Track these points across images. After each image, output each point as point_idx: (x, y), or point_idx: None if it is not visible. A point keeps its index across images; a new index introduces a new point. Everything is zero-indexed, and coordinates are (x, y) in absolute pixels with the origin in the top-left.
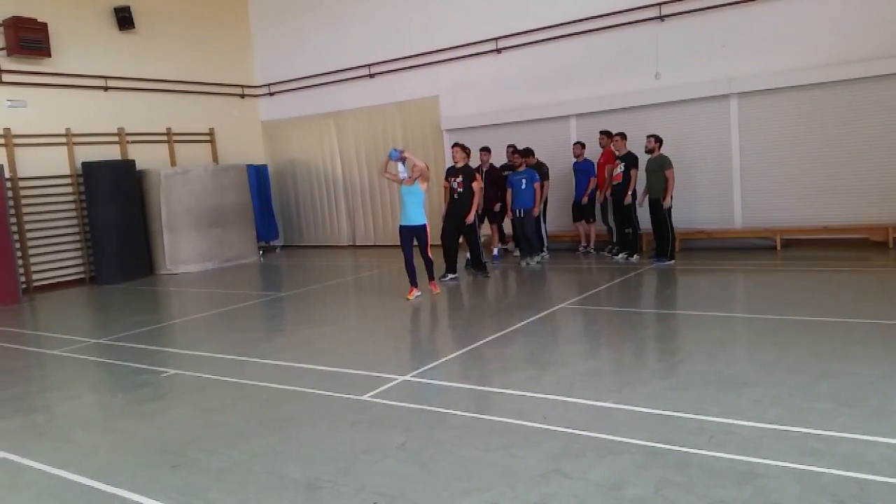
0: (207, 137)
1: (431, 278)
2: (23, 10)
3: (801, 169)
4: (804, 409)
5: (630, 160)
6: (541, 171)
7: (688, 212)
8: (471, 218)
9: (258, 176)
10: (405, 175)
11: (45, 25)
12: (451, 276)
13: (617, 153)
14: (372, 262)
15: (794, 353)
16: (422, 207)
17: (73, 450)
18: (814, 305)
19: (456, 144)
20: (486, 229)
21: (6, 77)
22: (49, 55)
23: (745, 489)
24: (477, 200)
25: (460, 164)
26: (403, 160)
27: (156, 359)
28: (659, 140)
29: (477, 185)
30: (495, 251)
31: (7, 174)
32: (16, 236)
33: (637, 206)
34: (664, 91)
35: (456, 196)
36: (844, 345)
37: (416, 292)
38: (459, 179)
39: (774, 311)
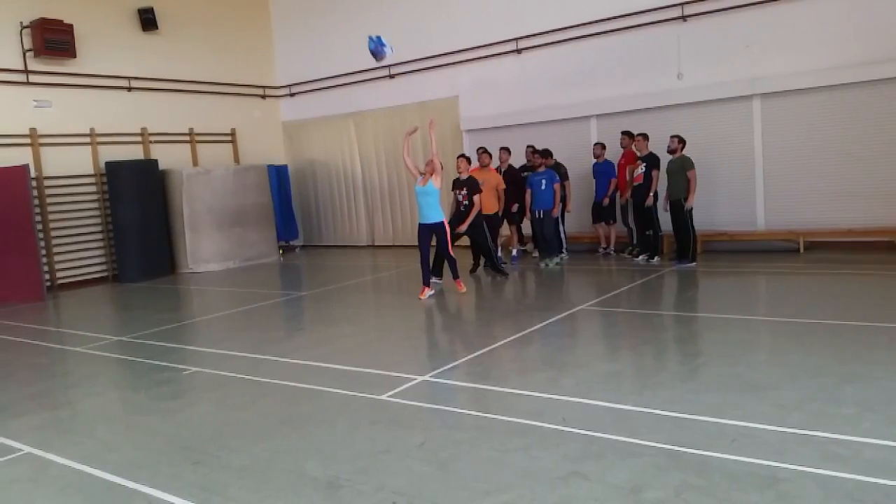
0: (229, 138)
1: (456, 277)
2: (49, 12)
3: (825, 170)
4: (827, 413)
5: (652, 161)
6: (559, 171)
7: (709, 213)
8: (463, 228)
9: (279, 176)
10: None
11: (70, 27)
12: (435, 280)
13: (638, 154)
14: (391, 262)
15: (816, 356)
16: (438, 206)
17: (96, 445)
18: (837, 309)
19: (461, 156)
20: (504, 230)
21: (32, 77)
22: (74, 56)
23: (767, 493)
24: (475, 212)
25: (464, 176)
26: (383, 45)
27: (177, 356)
28: (682, 141)
29: (478, 199)
30: (514, 252)
31: (32, 173)
32: (40, 235)
33: (662, 209)
34: (686, 91)
35: (462, 208)
36: (868, 349)
37: (428, 292)
38: (464, 192)
39: (797, 314)
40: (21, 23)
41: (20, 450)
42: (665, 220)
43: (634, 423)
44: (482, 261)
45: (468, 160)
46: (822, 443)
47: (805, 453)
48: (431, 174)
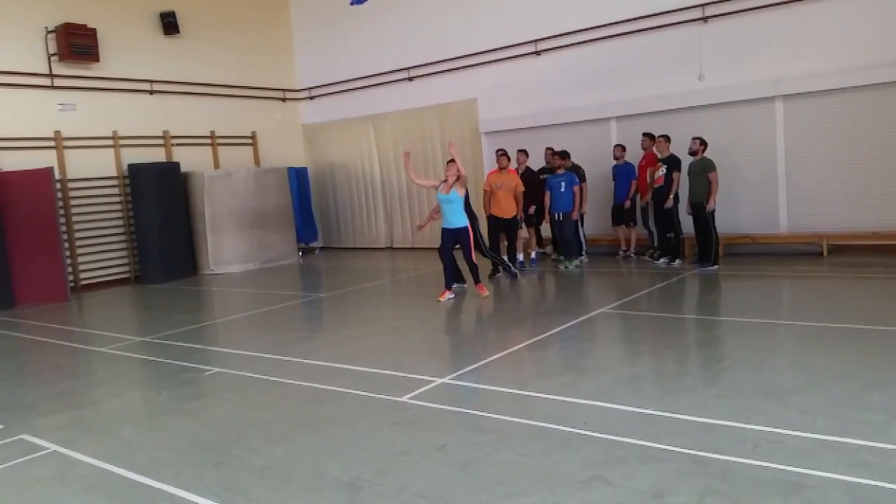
0: (250, 140)
1: (477, 281)
2: (73, 17)
3: (849, 173)
4: (854, 419)
5: (672, 163)
6: (577, 173)
7: (732, 216)
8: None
9: (298, 178)
10: None
11: (93, 31)
12: (457, 285)
13: (659, 155)
14: (409, 264)
15: (842, 361)
16: (462, 212)
17: (121, 445)
18: (863, 313)
19: (451, 161)
20: (523, 232)
21: (57, 81)
22: (97, 60)
23: (792, 500)
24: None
25: (451, 181)
26: None
27: (199, 357)
28: (704, 143)
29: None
30: (533, 254)
31: (57, 175)
32: (64, 236)
33: (685, 212)
34: (707, 93)
35: None
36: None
37: (448, 295)
38: None
39: (821, 318)
40: (46, 28)
41: (46, 448)
42: (686, 222)
43: (657, 428)
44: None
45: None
46: (850, 449)
47: (831, 460)
48: (457, 180)
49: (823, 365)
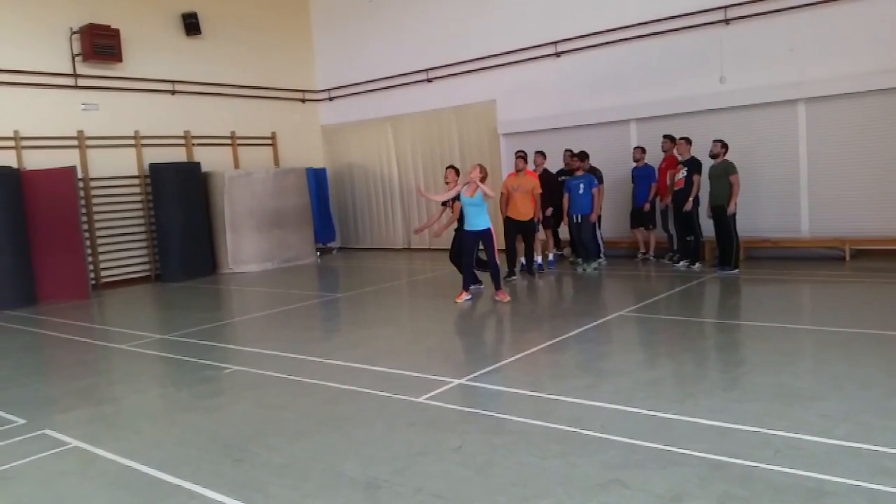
0: (269, 141)
1: (498, 287)
2: (97, 18)
3: (872, 177)
4: (876, 426)
5: (693, 165)
6: (595, 175)
7: (753, 219)
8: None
9: (317, 179)
10: None
11: (117, 32)
12: (475, 286)
13: (680, 158)
14: (426, 265)
15: (864, 367)
16: (485, 214)
17: (141, 441)
18: (885, 319)
19: (450, 167)
20: (540, 234)
21: (81, 81)
22: (120, 60)
23: None
24: (454, 218)
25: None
26: None
27: (218, 355)
28: (725, 145)
29: (457, 206)
30: (550, 256)
31: (80, 174)
32: (86, 234)
33: (706, 215)
34: (729, 95)
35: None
36: None
37: (465, 296)
38: (450, 200)
39: (843, 323)
40: (71, 28)
41: (68, 443)
42: (707, 225)
43: (676, 432)
44: (518, 267)
45: (457, 172)
46: (872, 456)
47: (853, 466)
48: (481, 182)
49: (845, 370)
